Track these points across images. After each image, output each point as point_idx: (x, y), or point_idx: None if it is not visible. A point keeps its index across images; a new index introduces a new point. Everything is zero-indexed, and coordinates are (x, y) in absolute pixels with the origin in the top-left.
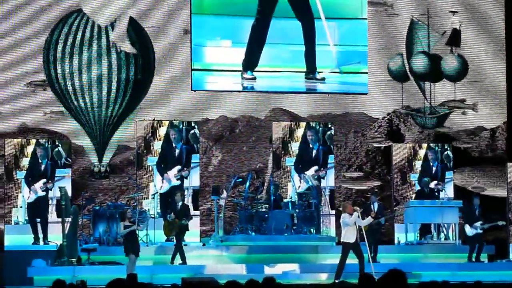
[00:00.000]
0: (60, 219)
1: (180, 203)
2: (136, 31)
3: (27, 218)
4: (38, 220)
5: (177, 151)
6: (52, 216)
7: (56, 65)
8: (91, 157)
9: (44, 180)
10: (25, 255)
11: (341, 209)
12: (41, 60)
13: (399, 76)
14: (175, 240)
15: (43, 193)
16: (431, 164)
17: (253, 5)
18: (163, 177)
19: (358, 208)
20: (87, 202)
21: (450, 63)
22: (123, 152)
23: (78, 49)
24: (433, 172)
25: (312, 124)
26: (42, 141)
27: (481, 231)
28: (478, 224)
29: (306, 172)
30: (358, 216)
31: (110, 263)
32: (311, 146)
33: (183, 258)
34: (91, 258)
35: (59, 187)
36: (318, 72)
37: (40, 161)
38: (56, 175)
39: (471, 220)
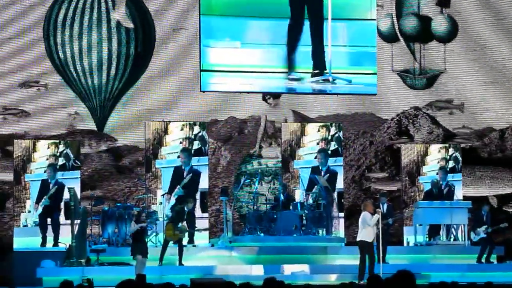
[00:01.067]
0: (69, 220)
1: (187, 210)
2: (135, 4)
3: (36, 220)
4: (49, 222)
5: (185, 173)
6: (62, 218)
7: (56, 39)
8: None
9: (45, 197)
10: (34, 256)
11: (362, 208)
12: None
13: (389, 37)
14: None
15: (41, 210)
16: (441, 183)
17: (262, 6)
18: (165, 197)
19: (380, 210)
20: (96, 203)
21: (440, 24)
22: (132, 153)
23: (78, 23)
24: (443, 189)
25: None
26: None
27: (485, 235)
28: (481, 229)
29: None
30: (379, 219)
31: (119, 264)
32: (320, 167)
33: (161, 258)
34: (100, 258)
35: (68, 188)
36: (326, 73)
37: (50, 181)
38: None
39: (476, 225)
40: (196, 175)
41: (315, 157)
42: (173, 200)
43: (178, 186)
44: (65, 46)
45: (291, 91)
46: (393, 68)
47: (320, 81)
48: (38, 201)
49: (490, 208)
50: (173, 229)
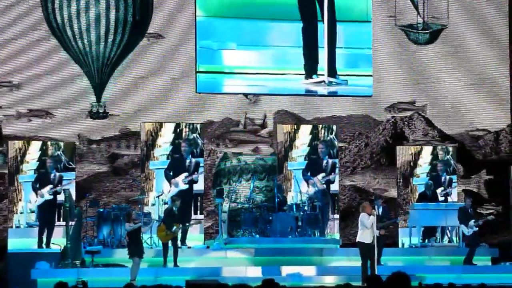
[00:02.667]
0: (64, 222)
1: (176, 209)
2: None
3: (28, 221)
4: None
5: (187, 162)
6: (56, 220)
7: (54, 4)
8: (89, 98)
9: (51, 185)
10: (29, 257)
11: (360, 209)
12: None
13: None
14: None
15: (51, 197)
16: (440, 175)
17: (259, 8)
18: (170, 182)
19: (375, 211)
20: (91, 204)
21: None
22: (127, 154)
23: None
24: (442, 182)
25: (320, 131)
26: (50, 150)
27: (476, 229)
28: (471, 223)
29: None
30: (373, 221)
31: (114, 265)
32: (321, 157)
33: (165, 261)
34: (95, 260)
35: (63, 189)
36: (318, 75)
37: (49, 171)
38: (64, 178)
39: (466, 220)
40: (197, 165)
41: (317, 148)
42: (182, 185)
43: (186, 174)
44: (62, 12)
45: (287, 93)
46: (396, 23)
47: (315, 83)
48: (39, 187)
49: (472, 201)
50: (165, 230)
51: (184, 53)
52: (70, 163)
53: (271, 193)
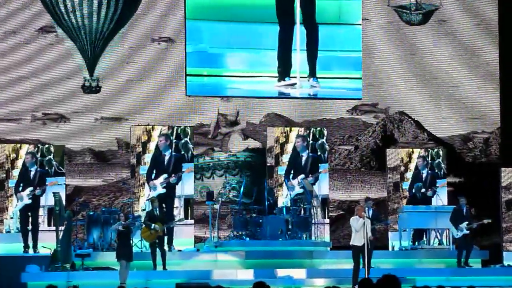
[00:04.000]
0: (53, 225)
1: (157, 209)
2: None
3: (18, 226)
4: (29, 228)
5: (166, 158)
6: (44, 223)
7: None
8: (82, 72)
9: (31, 188)
10: (19, 260)
11: (355, 212)
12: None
13: None
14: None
15: (29, 201)
16: (421, 171)
17: (249, 11)
18: (149, 184)
19: (365, 214)
20: (81, 207)
21: None
22: (117, 157)
23: None
24: (423, 179)
25: (301, 131)
26: (31, 148)
27: (467, 232)
28: (463, 225)
29: (298, 178)
30: (364, 224)
31: (104, 269)
32: (300, 153)
33: (155, 264)
34: (85, 263)
35: (53, 193)
36: (291, 77)
37: (29, 168)
38: (46, 183)
39: (458, 221)
40: (179, 158)
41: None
42: (161, 190)
43: (165, 176)
44: None
45: (281, 96)
46: (389, 4)
47: (287, 85)
48: (21, 188)
49: (467, 201)
50: (148, 230)
51: (174, 56)
52: (61, 167)
53: (243, 189)
